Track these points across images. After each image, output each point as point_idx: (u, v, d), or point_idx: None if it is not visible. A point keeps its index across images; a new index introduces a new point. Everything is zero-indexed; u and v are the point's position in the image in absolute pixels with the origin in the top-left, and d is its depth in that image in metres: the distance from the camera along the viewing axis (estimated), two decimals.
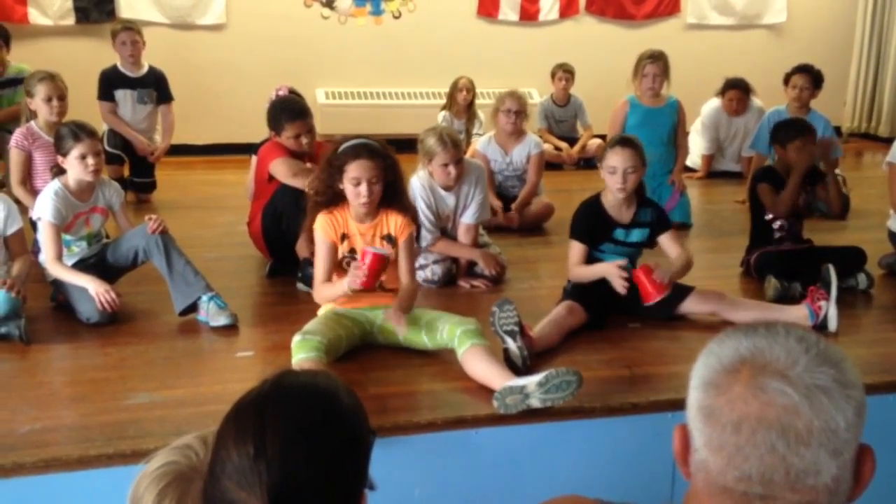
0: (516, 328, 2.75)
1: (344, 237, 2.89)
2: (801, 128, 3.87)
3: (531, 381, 2.41)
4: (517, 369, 2.67)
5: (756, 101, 6.14)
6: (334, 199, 2.89)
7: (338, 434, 1.05)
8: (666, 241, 3.29)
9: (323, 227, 2.88)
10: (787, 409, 0.89)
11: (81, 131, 3.25)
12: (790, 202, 3.70)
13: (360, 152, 2.80)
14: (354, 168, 2.79)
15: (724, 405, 0.92)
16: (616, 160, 3.17)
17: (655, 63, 4.78)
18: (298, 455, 1.01)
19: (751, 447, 0.89)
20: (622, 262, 3.15)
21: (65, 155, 3.23)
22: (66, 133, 3.25)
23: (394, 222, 2.93)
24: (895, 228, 3.82)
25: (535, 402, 2.39)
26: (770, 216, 3.75)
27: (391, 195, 2.90)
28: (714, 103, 6.18)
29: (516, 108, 4.68)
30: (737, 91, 6.05)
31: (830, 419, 0.89)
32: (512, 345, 2.73)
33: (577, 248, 3.25)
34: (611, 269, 3.13)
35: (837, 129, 7.88)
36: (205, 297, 3.16)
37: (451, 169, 3.63)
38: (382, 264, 2.69)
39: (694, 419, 0.96)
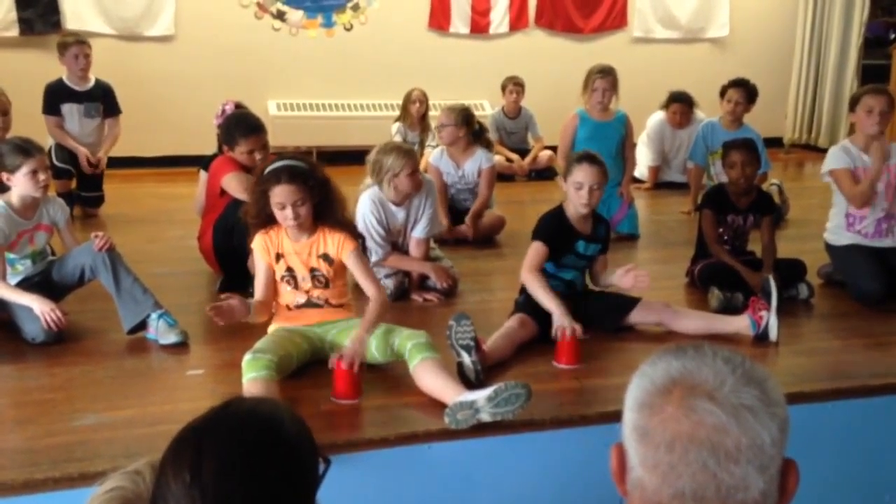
0: (472, 343, 2.78)
1: (279, 257, 2.89)
2: (730, 145, 3.94)
3: (481, 395, 2.44)
4: (470, 383, 2.70)
5: (700, 113, 6.29)
6: (268, 220, 2.87)
7: (276, 463, 1.06)
8: (600, 262, 3.38)
9: (258, 247, 2.89)
10: (717, 428, 0.93)
11: (30, 147, 3.20)
12: (719, 257, 3.77)
13: (280, 177, 2.77)
14: (277, 193, 2.77)
15: (658, 425, 0.96)
16: (583, 176, 3.20)
17: (605, 78, 4.87)
18: (233, 483, 1.02)
19: (684, 465, 0.93)
20: (573, 327, 3.01)
21: (12, 171, 3.17)
22: (12, 149, 3.19)
23: (331, 241, 2.89)
24: (830, 240, 3.93)
25: (485, 417, 2.42)
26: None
27: (323, 214, 2.86)
28: (659, 116, 6.32)
29: (442, 123, 4.76)
30: (680, 105, 6.19)
31: (757, 436, 0.94)
32: (467, 359, 2.76)
33: (538, 249, 3.20)
34: (559, 317, 3.03)
35: (779, 140, 8.12)
36: (154, 315, 3.13)
37: (417, 175, 3.72)
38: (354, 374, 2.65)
39: (629, 439, 0.99)
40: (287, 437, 1.09)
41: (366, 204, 3.68)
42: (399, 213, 3.78)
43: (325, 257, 2.90)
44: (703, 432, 0.93)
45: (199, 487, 1.01)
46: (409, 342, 2.71)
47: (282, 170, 2.79)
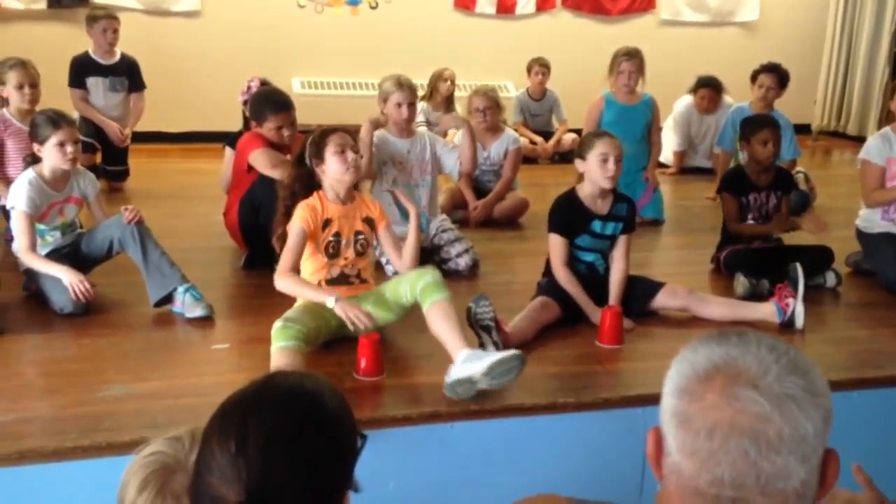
0: (492, 323, 2.78)
1: (327, 223, 2.92)
2: (763, 121, 3.94)
3: (477, 370, 2.47)
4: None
5: (728, 98, 6.21)
6: (304, 191, 2.93)
7: (319, 437, 1.07)
8: (622, 242, 3.28)
9: (304, 215, 2.87)
10: (759, 417, 0.92)
11: (60, 119, 3.23)
12: (746, 234, 3.76)
13: (334, 129, 2.96)
14: (337, 138, 2.90)
15: (698, 412, 0.95)
16: (606, 147, 3.17)
17: (631, 60, 4.82)
18: (277, 455, 1.03)
19: (723, 453, 0.93)
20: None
21: (42, 143, 3.20)
22: (44, 120, 3.22)
23: (373, 207, 3.05)
24: (862, 227, 3.89)
25: (483, 387, 2.47)
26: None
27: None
28: (686, 100, 6.25)
29: (484, 106, 4.74)
30: (708, 90, 6.12)
31: (800, 426, 0.92)
32: (488, 341, 2.76)
33: (558, 242, 3.23)
34: (593, 312, 3.12)
35: (807, 127, 8.02)
36: (180, 289, 3.15)
37: (404, 109, 3.84)
38: (377, 344, 2.68)
39: (668, 424, 0.98)
40: (329, 411, 1.10)
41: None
42: (401, 144, 3.89)
43: (368, 220, 3.01)
44: (744, 420, 0.92)
45: (244, 458, 1.02)
46: (418, 283, 2.75)
47: (335, 126, 3.00)
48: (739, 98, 5.93)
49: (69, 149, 3.20)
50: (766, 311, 3.19)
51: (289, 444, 1.04)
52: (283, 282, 2.82)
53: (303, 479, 1.04)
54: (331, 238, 2.92)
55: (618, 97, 4.88)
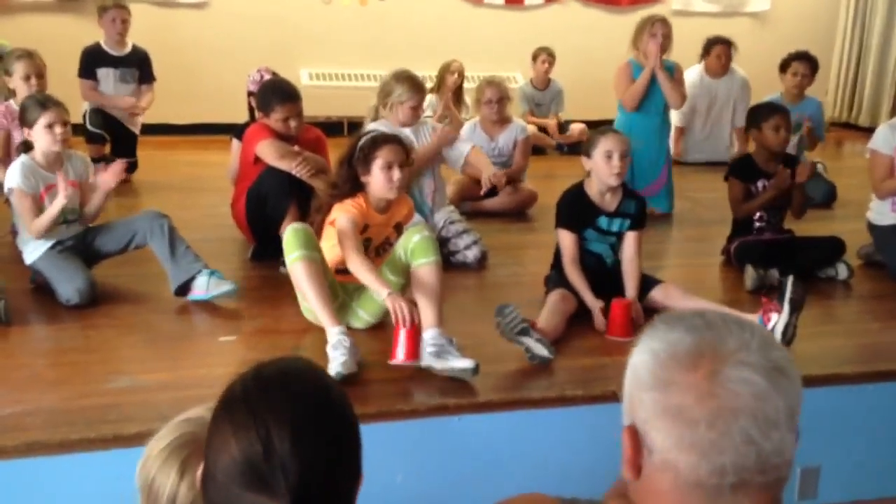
0: (525, 325, 2.72)
1: (365, 228, 2.89)
2: (774, 107, 3.91)
3: (437, 366, 2.56)
4: (545, 361, 2.69)
5: (739, 70, 6.12)
6: (351, 192, 2.89)
7: (337, 418, 1.06)
8: (631, 237, 3.24)
9: (351, 209, 2.84)
10: (756, 396, 0.89)
11: (48, 101, 3.23)
12: (752, 213, 3.73)
13: (388, 139, 2.92)
14: (387, 153, 2.85)
15: (693, 403, 0.90)
16: (611, 143, 3.14)
17: (665, 24, 4.76)
18: (307, 446, 1.01)
19: (727, 440, 0.89)
20: (601, 305, 3.09)
21: (31, 126, 3.19)
22: (32, 103, 3.23)
23: (406, 209, 3.05)
24: (873, 219, 3.85)
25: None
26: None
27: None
28: (693, 72, 6.13)
29: (497, 97, 4.71)
30: (724, 46, 5.99)
31: (790, 397, 0.91)
32: (531, 341, 2.70)
33: (567, 238, 3.20)
34: (594, 307, 3.09)
35: None
36: (205, 272, 3.17)
37: (419, 111, 3.89)
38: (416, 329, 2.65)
39: (654, 420, 0.93)
40: (335, 392, 1.09)
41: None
42: (406, 133, 3.81)
43: (398, 226, 3.00)
44: (743, 402, 0.89)
45: (277, 458, 0.99)
46: (410, 241, 2.74)
47: (388, 134, 2.95)
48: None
49: (58, 130, 3.19)
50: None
51: (315, 433, 1.02)
52: (357, 260, 2.71)
53: (334, 463, 1.03)
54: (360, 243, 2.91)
55: (644, 66, 4.74)
